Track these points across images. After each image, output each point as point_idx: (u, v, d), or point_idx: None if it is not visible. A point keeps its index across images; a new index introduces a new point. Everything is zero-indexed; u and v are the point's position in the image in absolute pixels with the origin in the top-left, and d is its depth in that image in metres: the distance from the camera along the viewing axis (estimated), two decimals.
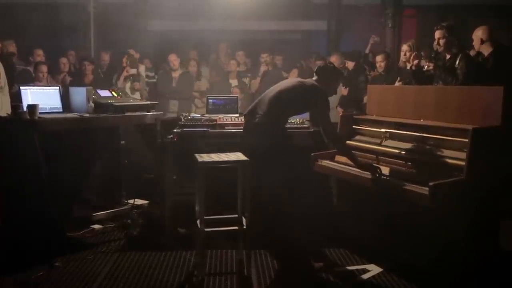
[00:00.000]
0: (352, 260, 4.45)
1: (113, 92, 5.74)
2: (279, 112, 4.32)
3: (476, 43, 5.36)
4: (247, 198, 4.11)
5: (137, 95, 7.42)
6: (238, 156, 4.20)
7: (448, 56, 5.18)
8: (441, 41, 5.16)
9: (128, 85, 7.58)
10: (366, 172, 4.10)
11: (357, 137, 4.70)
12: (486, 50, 5.28)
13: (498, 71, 4.99)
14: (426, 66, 5.23)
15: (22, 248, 4.32)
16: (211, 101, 5.92)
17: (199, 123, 5.27)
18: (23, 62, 7.68)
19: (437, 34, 5.19)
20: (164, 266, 4.34)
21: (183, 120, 5.31)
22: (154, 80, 8.13)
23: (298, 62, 9.00)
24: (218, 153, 4.27)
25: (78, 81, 7.43)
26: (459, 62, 4.99)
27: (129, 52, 8.06)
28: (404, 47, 6.23)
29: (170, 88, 7.74)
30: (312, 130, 5.11)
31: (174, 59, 7.89)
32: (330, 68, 4.60)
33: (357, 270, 4.24)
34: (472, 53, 5.50)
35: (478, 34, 5.33)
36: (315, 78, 4.51)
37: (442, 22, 5.25)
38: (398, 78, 5.93)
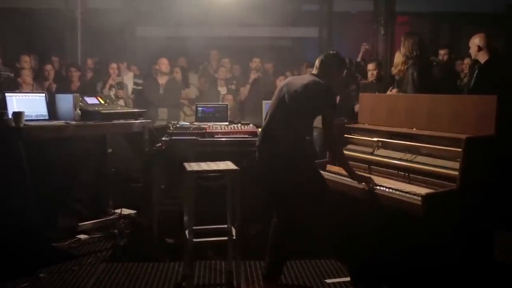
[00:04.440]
0: (344, 271, 4.39)
1: (100, 99, 5.66)
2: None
3: (473, 50, 5.34)
4: (237, 208, 4.02)
5: (121, 102, 7.33)
6: (228, 165, 4.13)
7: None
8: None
9: (112, 92, 7.49)
10: (358, 182, 4.03)
11: (349, 146, 4.64)
12: (483, 57, 5.26)
13: (494, 78, 4.97)
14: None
15: (6, 259, 4.22)
16: (200, 109, 5.84)
17: (188, 131, 5.17)
18: (9, 68, 7.58)
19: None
20: (151, 277, 4.26)
21: (171, 128, 5.22)
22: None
23: (288, 69, 8.94)
24: (208, 162, 4.19)
25: (64, 87, 7.34)
26: (412, 72, 5.02)
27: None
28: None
29: (158, 96, 7.65)
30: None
31: (166, 63, 7.80)
32: (331, 55, 4.07)
33: (349, 281, 4.18)
34: (468, 60, 5.51)
35: (475, 41, 5.30)
36: (315, 72, 4.05)
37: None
38: (391, 87, 5.89)
